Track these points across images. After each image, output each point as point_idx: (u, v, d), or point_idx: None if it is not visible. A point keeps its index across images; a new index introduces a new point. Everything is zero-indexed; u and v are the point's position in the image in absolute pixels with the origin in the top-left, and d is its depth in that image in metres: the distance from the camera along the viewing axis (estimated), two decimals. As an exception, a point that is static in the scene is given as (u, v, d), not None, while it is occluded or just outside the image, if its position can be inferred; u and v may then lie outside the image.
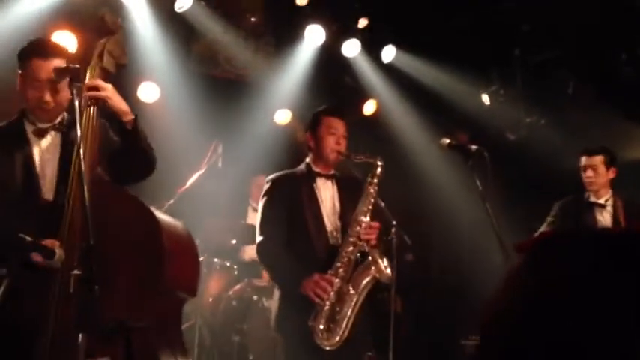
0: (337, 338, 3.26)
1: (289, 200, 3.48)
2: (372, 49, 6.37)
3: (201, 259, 5.28)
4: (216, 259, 5.39)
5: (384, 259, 3.37)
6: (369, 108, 6.73)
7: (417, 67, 6.31)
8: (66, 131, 2.80)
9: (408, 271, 6.48)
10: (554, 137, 6.17)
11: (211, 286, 5.31)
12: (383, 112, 6.70)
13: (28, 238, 2.29)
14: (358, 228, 3.36)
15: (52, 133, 2.79)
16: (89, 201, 2.25)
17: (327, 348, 3.25)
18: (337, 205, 3.54)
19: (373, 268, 3.34)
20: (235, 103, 6.17)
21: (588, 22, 5.64)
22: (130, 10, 5.22)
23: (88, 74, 2.74)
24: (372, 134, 5.91)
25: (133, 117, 2.78)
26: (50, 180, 2.71)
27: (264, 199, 3.54)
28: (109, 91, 2.69)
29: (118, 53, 2.81)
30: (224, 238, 5.54)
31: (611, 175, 4.53)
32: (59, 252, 2.33)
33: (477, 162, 3.21)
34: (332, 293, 3.29)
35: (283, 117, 6.56)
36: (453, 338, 5.76)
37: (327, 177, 3.59)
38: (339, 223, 3.52)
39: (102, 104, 2.68)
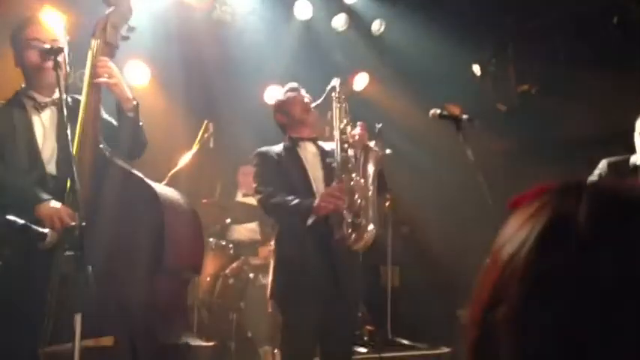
0: (366, 235, 3.39)
1: (276, 168, 3.62)
2: (361, 23, 6.31)
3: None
4: (211, 239, 5.39)
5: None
6: (361, 82, 6.70)
7: (407, 39, 6.25)
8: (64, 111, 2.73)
9: (403, 243, 6.51)
10: (546, 106, 6.15)
11: (208, 265, 5.31)
12: (374, 85, 6.67)
13: (20, 221, 2.28)
14: (344, 136, 3.53)
15: (52, 107, 2.78)
16: (90, 180, 2.28)
17: (361, 250, 3.45)
18: (319, 169, 3.65)
19: (371, 154, 3.49)
20: (225, 81, 6.12)
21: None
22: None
23: (93, 49, 2.70)
24: (363, 108, 5.87)
25: (135, 103, 2.77)
26: (52, 154, 2.72)
27: (255, 169, 3.70)
28: (117, 78, 2.67)
29: (122, 26, 2.76)
30: (218, 218, 5.54)
31: None
32: (51, 234, 2.32)
33: (469, 132, 3.20)
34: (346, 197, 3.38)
35: (274, 94, 6.51)
36: (450, 309, 5.79)
37: (309, 140, 3.74)
38: (324, 186, 3.58)
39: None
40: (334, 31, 6.30)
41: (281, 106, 3.89)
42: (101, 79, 2.67)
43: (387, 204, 4.80)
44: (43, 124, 2.75)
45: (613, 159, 4.56)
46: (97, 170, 2.50)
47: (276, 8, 5.94)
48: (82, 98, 2.66)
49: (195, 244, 2.87)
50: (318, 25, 6.24)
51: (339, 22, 6.24)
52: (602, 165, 4.53)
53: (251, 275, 5.19)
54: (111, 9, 2.74)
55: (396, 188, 4.69)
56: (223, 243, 5.48)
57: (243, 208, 5.51)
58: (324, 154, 3.70)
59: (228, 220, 5.54)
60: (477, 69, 6.53)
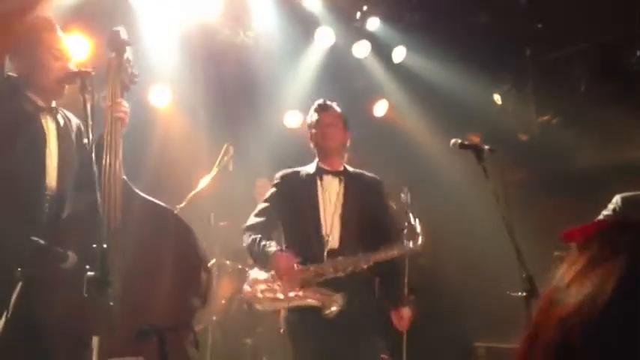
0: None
1: (289, 194, 3.55)
2: (382, 50, 6.35)
3: (213, 261, 5.30)
4: (228, 262, 5.39)
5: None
6: (381, 109, 6.72)
7: (428, 67, 6.28)
8: (60, 122, 2.88)
9: (420, 273, 6.46)
10: (567, 136, 6.12)
11: (223, 288, 5.31)
12: (394, 112, 6.68)
13: (42, 242, 2.30)
14: (364, 265, 3.37)
15: (48, 117, 2.84)
16: (117, 209, 2.35)
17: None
18: (340, 205, 3.50)
19: (322, 302, 3.31)
20: (246, 105, 6.17)
21: (600, 19, 5.60)
22: (141, 14, 5.23)
23: (109, 90, 2.81)
24: (383, 135, 5.89)
25: None
26: (52, 168, 2.78)
27: (267, 194, 3.67)
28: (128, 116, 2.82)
29: (131, 68, 2.87)
30: (236, 241, 5.52)
31: None
32: (72, 255, 2.34)
33: (490, 162, 3.19)
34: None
35: (294, 119, 6.56)
36: (466, 341, 5.72)
37: (335, 174, 3.60)
38: (339, 227, 3.45)
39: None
40: (355, 58, 6.34)
41: (310, 127, 3.77)
42: (121, 115, 2.80)
43: (404, 232, 4.77)
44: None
45: (627, 194, 4.53)
46: (130, 206, 2.62)
47: (298, 34, 6.00)
48: (106, 136, 2.72)
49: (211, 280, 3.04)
50: (339, 52, 6.28)
51: (361, 48, 6.28)
52: (617, 200, 4.50)
53: (267, 300, 5.17)
54: (117, 54, 2.85)
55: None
56: (240, 267, 5.47)
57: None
58: (347, 184, 3.57)
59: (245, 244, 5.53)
60: (497, 98, 6.53)
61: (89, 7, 4.99)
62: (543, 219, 5.86)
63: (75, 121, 2.98)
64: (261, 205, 3.61)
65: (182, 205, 4.77)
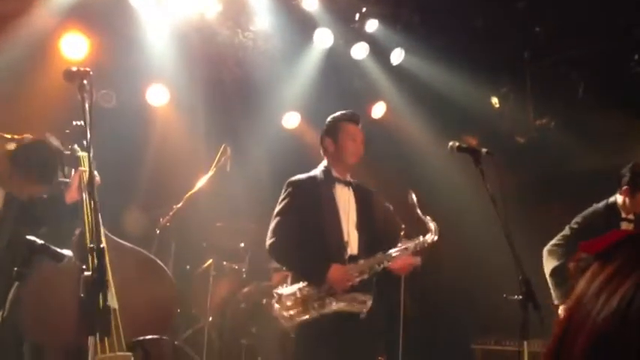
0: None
1: (308, 204, 3.51)
2: (380, 52, 6.36)
3: (209, 262, 5.30)
4: (224, 262, 5.39)
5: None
6: (379, 111, 6.72)
7: (425, 69, 6.28)
8: None
9: (418, 274, 6.46)
10: (564, 140, 6.13)
11: (220, 289, 5.31)
12: (392, 114, 6.69)
13: (39, 241, 2.30)
14: (386, 263, 3.48)
15: None
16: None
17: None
18: (354, 213, 3.57)
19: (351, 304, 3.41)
20: (244, 106, 6.17)
21: (599, 23, 5.61)
22: (139, 13, 5.23)
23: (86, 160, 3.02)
24: (381, 137, 5.89)
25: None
26: None
27: (283, 202, 3.58)
28: None
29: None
30: (232, 242, 5.54)
31: None
32: (68, 256, 2.33)
33: (487, 165, 3.20)
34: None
35: (292, 120, 6.56)
36: (463, 343, 5.72)
37: (345, 183, 3.64)
38: (355, 233, 3.55)
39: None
40: (354, 59, 6.35)
41: (337, 136, 3.68)
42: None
43: (401, 234, 4.77)
44: None
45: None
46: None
47: (297, 35, 6.00)
48: (85, 196, 2.92)
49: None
50: (337, 53, 6.28)
51: (359, 50, 6.28)
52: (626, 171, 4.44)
53: (263, 300, 5.17)
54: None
55: (410, 219, 4.68)
56: (236, 267, 5.47)
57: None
58: (357, 195, 3.63)
59: (242, 244, 5.54)
60: (495, 101, 6.54)
61: (88, 6, 4.99)
62: (540, 222, 5.87)
63: None
64: (283, 218, 3.55)
65: (179, 205, 4.77)
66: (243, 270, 5.50)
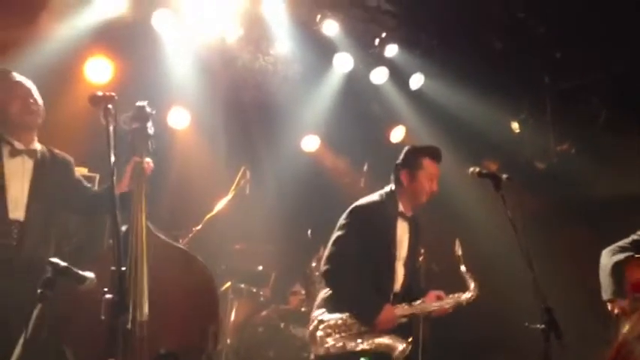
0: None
1: (368, 235, 3.41)
2: (400, 77, 6.38)
3: (227, 284, 5.31)
4: (242, 285, 5.39)
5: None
6: (398, 135, 6.73)
7: (445, 94, 6.29)
8: (39, 159, 3.21)
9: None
10: (585, 166, 6.08)
11: (238, 311, 5.30)
12: (411, 139, 6.69)
13: (62, 263, 2.32)
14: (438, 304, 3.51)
15: (25, 156, 3.16)
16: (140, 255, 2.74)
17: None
18: (405, 250, 3.55)
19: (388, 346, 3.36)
20: (264, 130, 6.21)
21: (618, 47, 5.60)
22: (162, 37, 5.31)
23: (137, 156, 3.19)
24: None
25: None
26: (15, 199, 3.05)
27: (344, 230, 3.45)
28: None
29: (152, 137, 3.28)
30: (251, 264, 5.54)
31: None
32: (90, 278, 2.35)
33: (507, 190, 3.18)
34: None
35: (311, 143, 6.59)
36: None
37: (407, 219, 3.57)
38: (402, 270, 3.53)
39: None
40: (373, 84, 6.38)
41: (416, 171, 3.57)
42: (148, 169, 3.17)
43: (420, 259, 4.74)
44: (10, 171, 3.10)
45: None
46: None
47: (317, 60, 6.05)
48: (134, 191, 3.04)
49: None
50: (357, 77, 6.32)
51: (379, 75, 6.32)
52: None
53: (281, 324, 5.15)
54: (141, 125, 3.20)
55: (432, 242, 4.65)
56: (254, 290, 5.47)
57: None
58: (412, 230, 3.59)
59: (260, 267, 5.54)
60: (515, 126, 6.52)
61: (112, 30, 5.08)
62: (561, 248, 5.81)
63: (60, 157, 3.36)
64: (342, 247, 3.43)
65: (199, 227, 4.79)
66: (261, 293, 5.50)
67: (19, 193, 3.09)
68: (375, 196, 3.57)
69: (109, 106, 2.59)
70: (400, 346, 3.31)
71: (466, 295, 3.55)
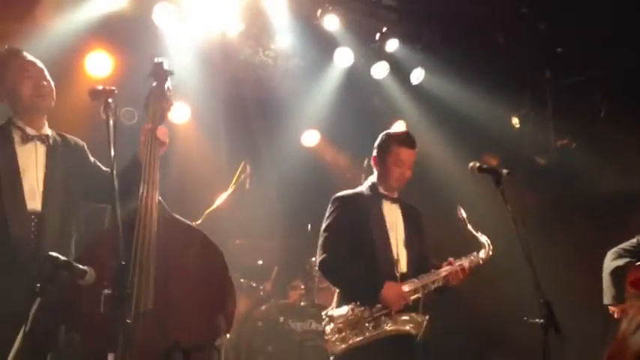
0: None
1: (356, 221, 3.41)
2: (400, 71, 6.37)
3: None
4: (242, 280, 5.39)
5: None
6: (398, 129, 6.72)
7: (446, 89, 6.28)
8: (51, 145, 2.99)
9: (436, 295, 6.41)
10: (586, 161, 6.08)
11: (238, 306, 5.28)
12: (412, 134, 6.68)
13: (62, 258, 2.32)
14: (440, 282, 3.38)
15: (37, 142, 2.95)
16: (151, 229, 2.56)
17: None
18: (402, 231, 3.48)
19: (408, 325, 3.27)
20: (264, 124, 6.21)
21: (620, 43, 5.59)
22: (162, 31, 5.30)
23: (150, 116, 2.99)
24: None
25: None
26: (32, 189, 2.85)
27: (330, 217, 3.46)
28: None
29: (170, 98, 3.07)
30: (251, 259, 5.55)
31: None
32: (90, 272, 2.35)
33: (507, 185, 3.18)
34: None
35: (312, 138, 6.59)
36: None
37: (393, 200, 3.55)
38: (404, 251, 3.45)
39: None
40: (374, 79, 6.37)
41: (384, 157, 3.55)
42: (164, 143, 2.97)
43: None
44: (25, 158, 2.90)
45: None
46: (163, 224, 2.70)
47: (317, 54, 6.04)
48: (144, 157, 2.87)
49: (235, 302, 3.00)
50: (358, 72, 6.31)
51: (379, 69, 6.31)
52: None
53: (280, 318, 5.16)
54: (158, 84, 3.02)
55: (432, 236, 4.65)
56: (254, 285, 5.47)
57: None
58: (404, 213, 3.55)
59: (260, 262, 5.55)
60: (516, 121, 6.51)
61: (113, 24, 5.07)
62: (561, 243, 5.81)
63: (73, 142, 3.14)
64: (331, 234, 3.41)
65: (199, 221, 4.79)
66: (261, 288, 5.50)
67: (35, 182, 2.87)
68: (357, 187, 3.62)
69: (109, 100, 2.58)
70: (419, 319, 3.23)
71: (481, 253, 3.48)
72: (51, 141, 3.00)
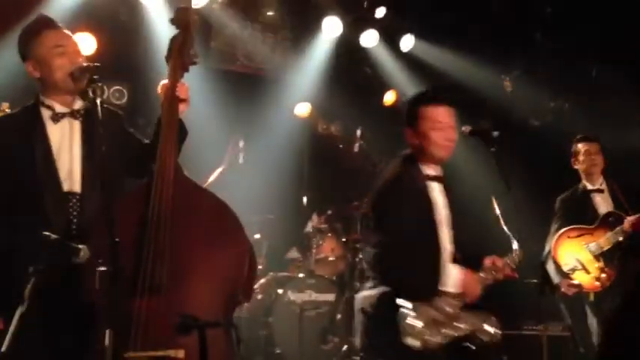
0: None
1: (409, 212, 2.83)
2: (390, 39, 6.32)
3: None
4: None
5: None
6: (389, 98, 6.69)
7: (436, 55, 6.24)
8: (85, 119, 2.72)
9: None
10: (579, 121, 6.07)
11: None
12: (403, 101, 6.66)
13: (54, 236, 2.30)
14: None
15: (70, 119, 2.71)
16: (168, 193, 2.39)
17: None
18: (446, 214, 2.96)
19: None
20: (255, 98, 6.16)
21: (611, 4, 5.54)
22: (147, 8, 5.23)
23: (171, 69, 2.70)
24: (392, 124, 5.86)
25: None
26: (69, 171, 2.65)
27: (384, 220, 2.86)
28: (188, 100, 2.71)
29: (193, 49, 2.74)
30: (247, 233, 5.54)
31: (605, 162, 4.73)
32: (84, 249, 2.34)
33: (500, 148, 3.17)
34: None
35: (303, 110, 6.55)
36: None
37: (437, 179, 2.99)
38: (447, 235, 2.93)
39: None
40: (363, 47, 6.32)
41: (417, 125, 2.93)
42: (183, 102, 2.73)
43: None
44: (59, 138, 2.66)
45: (563, 196, 4.81)
46: (179, 192, 2.49)
47: (306, 24, 5.98)
48: (163, 117, 2.67)
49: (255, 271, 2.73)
50: (347, 41, 6.26)
51: (369, 38, 6.25)
52: (557, 204, 4.80)
53: (279, 291, 5.19)
54: (182, 32, 2.74)
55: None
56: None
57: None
58: (446, 189, 3.01)
59: (257, 236, 5.55)
60: (508, 85, 6.48)
61: (93, 4, 5.00)
62: (554, 204, 5.82)
63: (106, 111, 2.73)
64: (393, 236, 2.78)
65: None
66: (259, 261, 5.51)
67: (71, 164, 2.62)
68: (389, 174, 3.00)
69: (95, 76, 2.49)
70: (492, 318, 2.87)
71: (514, 258, 3.00)
72: (85, 115, 2.71)
